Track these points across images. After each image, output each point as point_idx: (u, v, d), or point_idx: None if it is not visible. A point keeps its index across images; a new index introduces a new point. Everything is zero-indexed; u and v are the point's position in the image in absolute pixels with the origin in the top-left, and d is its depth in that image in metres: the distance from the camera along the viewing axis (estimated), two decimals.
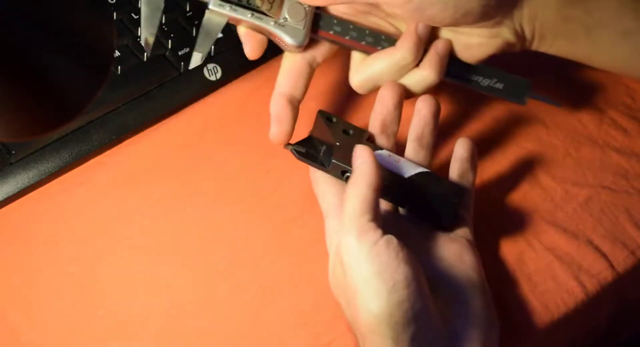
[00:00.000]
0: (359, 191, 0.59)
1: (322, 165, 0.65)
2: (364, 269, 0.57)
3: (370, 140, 0.66)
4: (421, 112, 0.67)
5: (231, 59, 0.77)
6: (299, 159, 0.65)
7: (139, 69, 0.74)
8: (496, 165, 0.74)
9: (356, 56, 0.68)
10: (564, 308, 0.67)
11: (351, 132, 0.66)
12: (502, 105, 0.77)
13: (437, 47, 0.65)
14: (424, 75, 0.65)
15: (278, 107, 0.66)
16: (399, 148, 0.67)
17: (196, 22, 0.77)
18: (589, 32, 0.66)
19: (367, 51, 0.67)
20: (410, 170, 0.64)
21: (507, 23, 0.65)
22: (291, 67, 0.67)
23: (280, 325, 0.65)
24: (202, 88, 0.76)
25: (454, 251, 0.64)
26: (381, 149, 0.66)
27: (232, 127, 0.75)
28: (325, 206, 0.65)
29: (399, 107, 0.67)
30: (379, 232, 0.58)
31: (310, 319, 0.66)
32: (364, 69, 0.66)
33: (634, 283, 0.72)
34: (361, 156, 0.61)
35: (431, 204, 0.65)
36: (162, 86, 0.74)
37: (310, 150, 0.66)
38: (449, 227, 0.65)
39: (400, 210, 0.67)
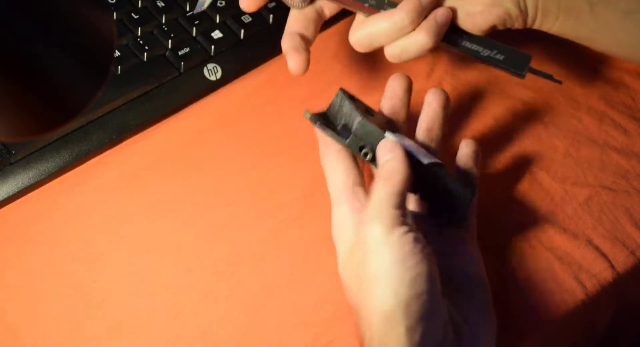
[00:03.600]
0: (391, 188, 0.59)
1: (340, 137, 0.64)
2: (390, 256, 0.57)
3: (389, 125, 0.66)
4: (431, 105, 0.68)
5: (231, 59, 0.77)
6: (318, 128, 0.64)
7: (139, 69, 0.74)
8: (496, 164, 0.74)
9: (359, 17, 0.69)
10: (564, 308, 0.67)
11: (372, 113, 0.66)
12: (503, 105, 0.77)
13: (437, 14, 0.66)
14: (419, 38, 0.66)
15: (292, 41, 0.67)
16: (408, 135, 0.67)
17: (196, 22, 0.77)
18: (593, 8, 0.67)
19: (370, 14, 0.67)
20: (427, 158, 0.64)
21: None
22: (300, 13, 0.69)
23: (280, 325, 0.65)
24: (202, 88, 0.76)
25: (460, 249, 0.64)
26: (398, 133, 0.65)
27: (232, 127, 0.75)
28: (334, 191, 0.64)
29: (408, 93, 0.68)
30: (407, 226, 0.59)
31: (310, 319, 0.66)
32: (363, 27, 0.67)
33: (634, 283, 0.72)
34: (392, 151, 0.61)
35: (446, 196, 0.65)
36: (162, 86, 0.74)
37: (328, 123, 0.65)
38: (455, 223, 0.65)
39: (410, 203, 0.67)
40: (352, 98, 0.66)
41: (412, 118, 0.69)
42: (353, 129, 0.63)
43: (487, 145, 0.74)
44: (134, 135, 0.73)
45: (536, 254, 0.69)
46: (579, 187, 0.73)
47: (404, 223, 0.59)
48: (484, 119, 0.76)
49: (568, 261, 0.69)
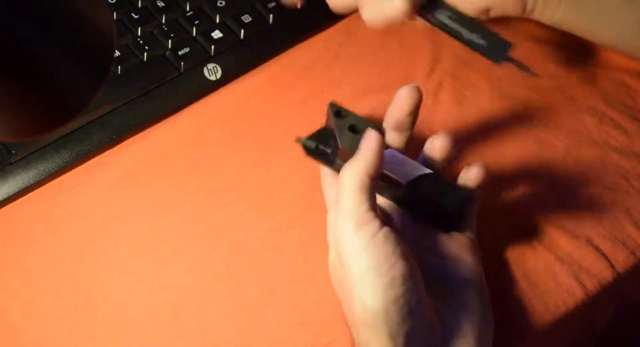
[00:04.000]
0: (355, 177, 0.58)
1: (329, 163, 0.64)
2: (361, 263, 0.56)
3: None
4: (433, 150, 0.65)
5: (231, 59, 0.77)
6: (307, 154, 0.64)
7: (139, 69, 0.74)
8: (496, 165, 0.74)
9: None
10: (564, 308, 0.67)
11: (360, 127, 0.63)
12: (503, 105, 0.77)
13: None
14: (394, 3, 0.66)
15: None
16: (412, 153, 0.67)
17: (196, 22, 0.77)
18: None
19: None
20: (412, 173, 0.63)
21: None
22: None
23: (280, 325, 0.65)
24: (202, 88, 0.76)
25: (453, 248, 0.64)
26: (387, 147, 0.64)
27: (232, 127, 0.75)
28: (328, 201, 0.65)
29: (411, 117, 0.65)
30: (377, 223, 0.57)
31: (310, 319, 0.66)
32: None
33: (634, 283, 0.72)
34: (368, 141, 0.59)
35: (430, 210, 0.64)
36: (162, 86, 0.74)
37: (321, 146, 0.64)
38: (445, 232, 0.65)
39: None
40: (339, 113, 0.63)
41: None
42: (337, 155, 0.62)
43: (488, 145, 0.74)
44: (134, 135, 0.73)
45: (536, 254, 0.69)
46: (579, 187, 0.73)
47: (374, 218, 0.57)
48: (484, 120, 0.76)
49: (568, 261, 0.69)
